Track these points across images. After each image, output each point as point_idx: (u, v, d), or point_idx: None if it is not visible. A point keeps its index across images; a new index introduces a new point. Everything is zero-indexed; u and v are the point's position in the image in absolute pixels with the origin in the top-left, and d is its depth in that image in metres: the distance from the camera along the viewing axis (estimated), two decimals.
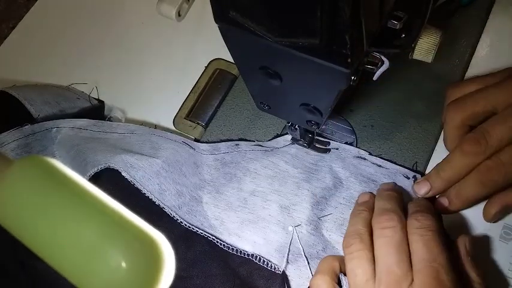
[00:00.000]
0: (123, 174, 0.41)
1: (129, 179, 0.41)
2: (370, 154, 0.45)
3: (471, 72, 0.48)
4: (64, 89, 0.52)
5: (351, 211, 0.42)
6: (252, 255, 0.41)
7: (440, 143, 0.45)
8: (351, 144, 0.46)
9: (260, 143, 0.47)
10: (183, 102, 0.51)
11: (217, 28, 0.30)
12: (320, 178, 0.44)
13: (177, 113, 0.51)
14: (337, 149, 0.46)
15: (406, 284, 0.33)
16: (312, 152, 0.46)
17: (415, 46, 0.33)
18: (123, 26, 0.58)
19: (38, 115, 0.46)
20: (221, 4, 0.28)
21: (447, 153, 0.44)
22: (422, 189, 0.41)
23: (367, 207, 0.40)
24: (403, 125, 0.46)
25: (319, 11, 0.25)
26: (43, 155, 0.43)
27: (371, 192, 0.43)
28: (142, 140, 0.47)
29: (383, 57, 0.31)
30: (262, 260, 0.41)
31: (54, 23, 0.59)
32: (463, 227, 0.42)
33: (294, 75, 0.32)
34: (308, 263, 0.41)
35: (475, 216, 0.42)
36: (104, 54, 0.56)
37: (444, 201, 0.40)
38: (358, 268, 0.35)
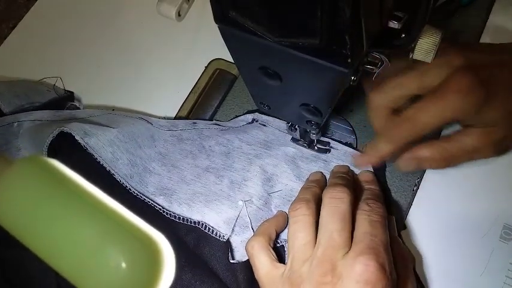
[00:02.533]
0: (76, 138, 0.41)
1: (82, 143, 0.41)
2: (322, 135, 0.46)
3: None
4: (36, 83, 0.53)
5: (300, 188, 0.43)
6: (198, 222, 0.42)
7: None
8: (350, 144, 0.46)
9: (218, 122, 0.49)
10: (183, 102, 0.51)
11: (217, 28, 0.30)
12: (273, 155, 0.46)
13: (177, 113, 0.51)
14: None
15: (342, 252, 0.34)
16: (267, 129, 0.47)
17: (415, 46, 0.33)
18: (123, 26, 0.58)
19: (6, 108, 0.47)
20: (221, 4, 0.28)
21: None
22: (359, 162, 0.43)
23: (317, 184, 0.42)
24: None
25: (319, 11, 0.25)
26: (7, 148, 0.44)
27: (322, 173, 0.44)
28: (99, 118, 0.47)
29: (383, 57, 0.31)
30: (208, 228, 0.42)
31: (54, 23, 0.59)
32: (463, 226, 0.42)
33: (293, 76, 0.32)
34: None
35: (475, 216, 0.42)
36: (103, 54, 0.56)
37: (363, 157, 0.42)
38: (299, 231, 0.36)
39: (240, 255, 0.42)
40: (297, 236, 0.36)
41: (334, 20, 0.25)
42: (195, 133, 0.48)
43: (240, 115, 0.49)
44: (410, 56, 0.34)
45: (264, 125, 0.48)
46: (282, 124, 0.47)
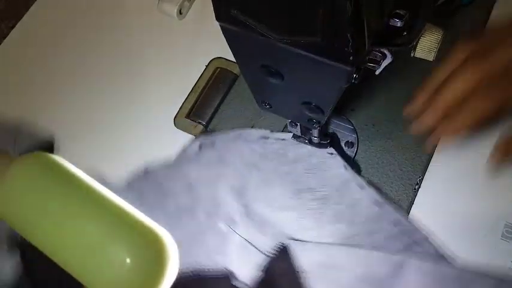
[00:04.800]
0: None
1: None
2: (272, 131, 0.47)
3: None
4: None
5: (266, 184, 0.44)
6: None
7: (442, 142, 0.45)
8: (351, 143, 0.46)
9: (167, 162, 0.47)
10: (184, 101, 0.51)
11: (219, 26, 0.30)
12: (232, 168, 0.46)
13: (177, 112, 0.51)
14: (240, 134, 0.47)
15: None
16: (217, 146, 0.47)
17: (416, 44, 0.33)
18: (123, 25, 0.58)
19: None
20: (222, 2, 0.28)
21: (449, 152, 0.44)
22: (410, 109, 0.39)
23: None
24: (404, 124, 0.46)
25: (320, 9, 0.25)
26: None
27: None
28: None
29: (386, 51, 0.31)
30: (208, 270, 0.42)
31: (53, 22, 0.59)
32: (465, 225, 0.42)
33: (295, 74, 0.32)
34: (253, 246, 0.42)
35: (476, 215, 0.42)
36: (104, 52, 0.56)
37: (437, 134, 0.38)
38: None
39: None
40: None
41: (336, 18, 0.25)
42: (152, 181, 0.47)
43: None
44: (412, 54, 0.34)
45: (213, 145, 0.47)
46: (230, 134, 0.47)
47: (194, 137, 0.49)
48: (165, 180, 0.46)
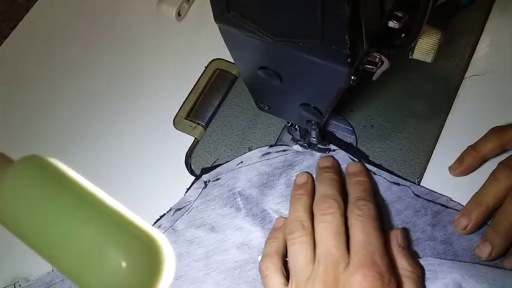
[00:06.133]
0: None
1: None
2: (270, 146, 0.46)
3: (471, 72, 0.48)
4: None
5: (285, 199, 0.43)
6: None
7: (441, 142, 0.45)
8: (350, 144, 0.46)
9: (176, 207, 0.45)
10: (183, 102, 0.51)
11: (217, 28, 0.31)
12: (246, 197, 0.44)
13: (177, 113, 0.51)
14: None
15: (343, 264, 0.35)
16: (224, 178, 0.45)
17: (414, 46, 0.33)
18: (123, 26, 0.58)
19: None
20: (221, 4, 0.28)
21: (447, 153, 0.44)
22: (462, 224, 0.40)
23: (306, 191, 0.42)
24: (403, 125, 0.46)
25: (319, 11, 0.25)
26: None
27: (308, 173, 0.44)
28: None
29: (383, 57, 0.31)
30: None
31: (54, 23, 0.59)
32: None
33: (294, 75, 0.32)
34: None
35: None
36: (103, 53, 0.56)
37: (485, 246, 0.39)
38: (299, 252, 0.38)
39: None
40: (297, 256, 0.38)
41: (334, 20, 0.25)
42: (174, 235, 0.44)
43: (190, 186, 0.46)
44: (410, 56, 0.34)
45: (218, 179, 0.46)
46: (231, 163, 0.46)
47: (193, 137, 0.50)
48: (187, 230, 0.44)
